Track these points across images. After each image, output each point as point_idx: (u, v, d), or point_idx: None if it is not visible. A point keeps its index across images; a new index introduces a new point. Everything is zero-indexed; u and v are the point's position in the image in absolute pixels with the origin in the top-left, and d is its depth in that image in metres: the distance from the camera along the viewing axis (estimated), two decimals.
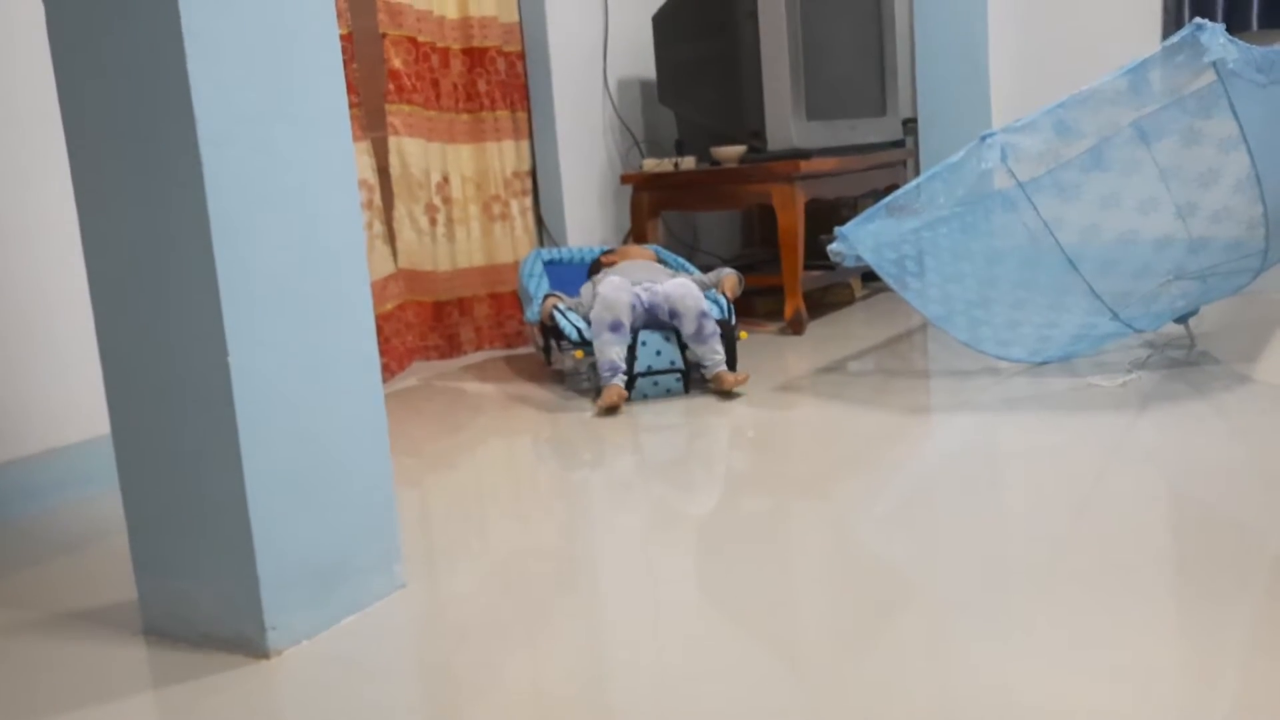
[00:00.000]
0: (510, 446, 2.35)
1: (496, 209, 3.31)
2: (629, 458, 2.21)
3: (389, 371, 2.96)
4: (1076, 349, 2.57)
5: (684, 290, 2.61)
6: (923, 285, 2.57)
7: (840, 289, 3.85)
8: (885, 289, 3.85)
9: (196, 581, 1.39)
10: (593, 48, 3.58)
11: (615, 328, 2.54)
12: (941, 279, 2.56)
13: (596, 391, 2.62)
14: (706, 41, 3.44)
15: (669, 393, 2.61)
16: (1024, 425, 2.16)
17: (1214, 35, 2.07)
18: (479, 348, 3.33)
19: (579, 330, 2.65)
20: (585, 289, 2.81)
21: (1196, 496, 1.70)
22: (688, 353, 2.63)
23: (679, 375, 2.61)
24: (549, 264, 3.20)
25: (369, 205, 2.89)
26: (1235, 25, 3.62)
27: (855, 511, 1.75)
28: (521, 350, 3.38)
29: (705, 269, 3.13)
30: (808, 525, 1.72)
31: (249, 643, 1.36)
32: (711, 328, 2.57)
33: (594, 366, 2.63)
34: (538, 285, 2.99)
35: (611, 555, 1.67)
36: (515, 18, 3.36)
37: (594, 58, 3.58)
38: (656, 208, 3.48)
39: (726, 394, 2.55)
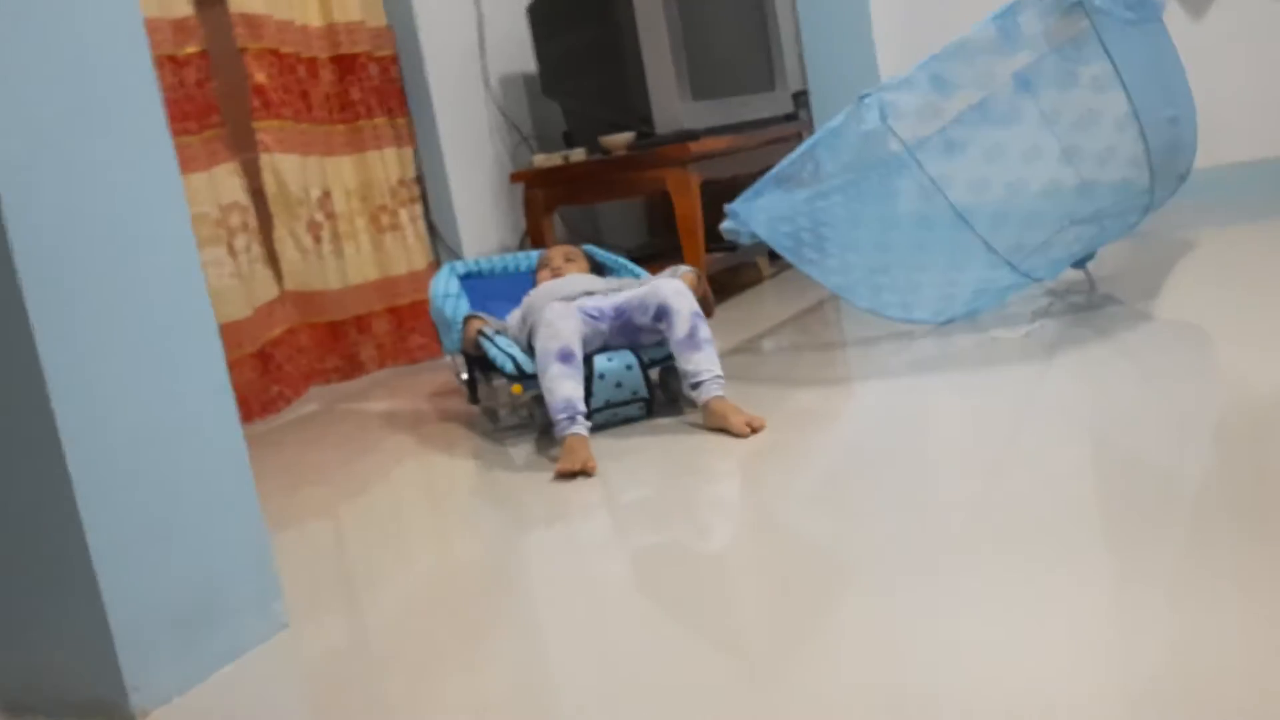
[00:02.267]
0: (425, 465, 2.24)
1: (385, 220, 3.20)
2: (549, 464, 2.04)
3: (285, 399, 2.84)
4: (979, 304, 2.55)
5: (677, 287, 2.13)
6: (820, 256, 2.52)
7: (748, 269, 3.80)
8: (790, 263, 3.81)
9: (48, 647, 1.28)
10: (468, 45, 3.48)
11: (565, 357, 2.02)
12: (839, 248, 2.51)
13: (541, 430, 2.22)
14: (584, 29, 3.36)
15: (626, 421, 2.18)
16: (935, 387, 2.12)
17: None
18: (382, 365, 3.21)
19: (513, 359, 2.17)
20: (515, 311, 2.37)
21: (1111, 441, 1.66)
22: (657, 369, 2.21)
23: (643, 404, 2.17)
24: (467, 279, 2.70)
25: (245, 228, 2.76)
26: None
27: (779, 494, 1.69)
28: (428, 364, 3.28)
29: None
30: (734, 510, 1.65)
31: (111, 708, 1.25)
32: (706, 333, 2.07)
33: (536, 402, 2.21)
34: (455, 307, 2.50)
35: (537, 567, 1.58)
36: (384, 21, 3.24)
37: (471, 55, 3.48)
38: (551, 204, 3.40)
39: (721, 430, 1.99)
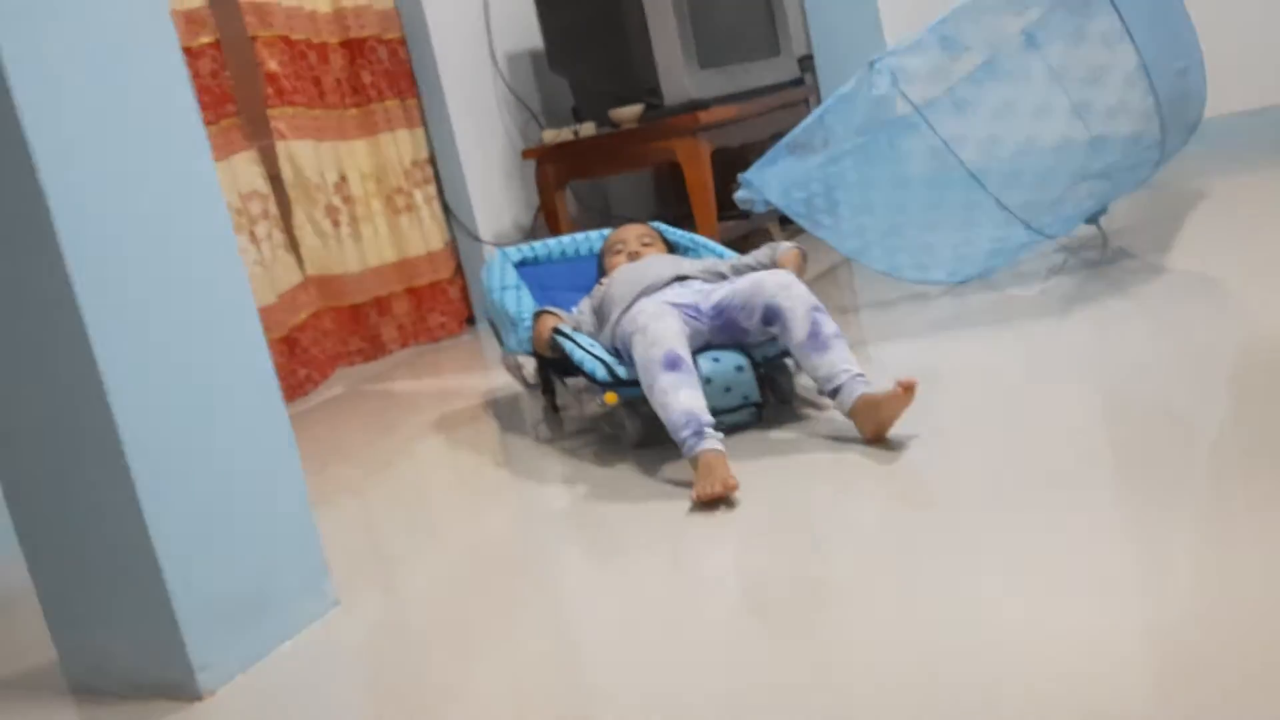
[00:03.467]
0: (450, 442, 2.28)
1: (400, 201, 3.23)
2: (576, 442, 2.03)
3: (311, 382, 2.89)
4: (994, 263, 2.57)
5: (783, 280, 1.80)
6: (835, 221, 2.54)
7: (760, 235, 3.83)
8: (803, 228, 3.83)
9: (115, 632, 1.33)
10: (475, 23, 3.49)
11: (673, 363, 1.69)
12: (852, 212, 2.53)
13: (635, 444, 1.88)
14: (590, 2, 3.36)
15: (734, 429, 1.82)
16: (953, 346, 2.16)
17: None
18: (404, 345, 3.26)
19: (604, 362, 1.84)
20: (585, 301, 2.11)
21: (1129, 392, 1.70)
22: (776, 373, 1.90)
23: (755, 409, 1.85)
24: (522, 267, 2.39)
25: (265, 215, 2.80)
26: None
27: (796, 455, 1.72)
28: (448, 342, 3.32)
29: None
30: (763, 487, 1.68)
31: (179, 687, 1.30)
32: (832, 327, 1.75)
33: (627, 410, 1.86)
34: (518, 300, 2.19)
35: (565, 548, 1.63)
36: (390, 3, 3.26)
37: (478, 34, 3.50)
38: (563, 178, 3.42)
39: (879, 439, 1.65)
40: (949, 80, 2.30)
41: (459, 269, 3.43)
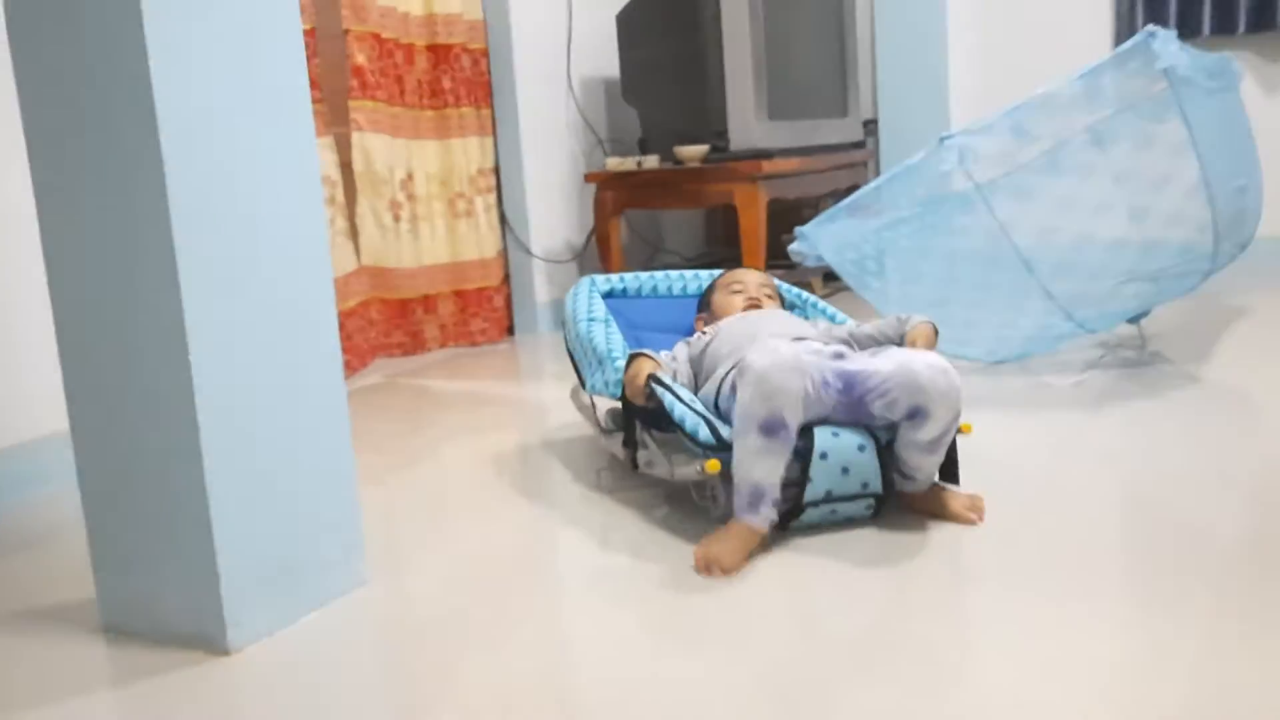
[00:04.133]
0: (476, 444, 2.34)
1: (461, 206, 3.31)
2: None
3: (351, 368, 2.95)
4: (1032, 349, 2.62)
5: (941, 386, 1.54)
6: (883, 285, 2.60)
7: (803, 288, 3.88)
8: (846, 288, 3.88)
9: (156, 579, 1.39)
10: (557, 45, 3.58)
11: (771, 429, 1.49)
12: (901, 279, 2.59)
13: (721, 519, 1.58)
14: (670, 41, 3.45)
15: (846, 521, 1.62)
16: (981, 424, 2.18)
17: (1166, 42, 2.12)
18: (444, 345, 3.32)
19: (708, 422, 1.60)
20: (680, 347, 1.90)
21: (1147, 496, 1.74)
22: (889, 458, 1.60)
23: (873, 500, 1.61)
24: (609, 299, 2.17)
25: (331, 201, 2.88)
26: (1187, 31, 3.69)
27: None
28: (487, 348, 3.38)
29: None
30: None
31: (209, 640, 1.36)
32: (950, 436, 1.59)
33: (725, 482, 1.58)
34: (607, 336, 1.96)
35: (579, 554, 1.68)
36: (480, 15, 3.35)
37: (558, 55, 3.59)
38: (620, 206, 3.50)
39: (933, 515, 1.63)
40: (1013, 165, 2.36)
41: (507, 278, 3.50)
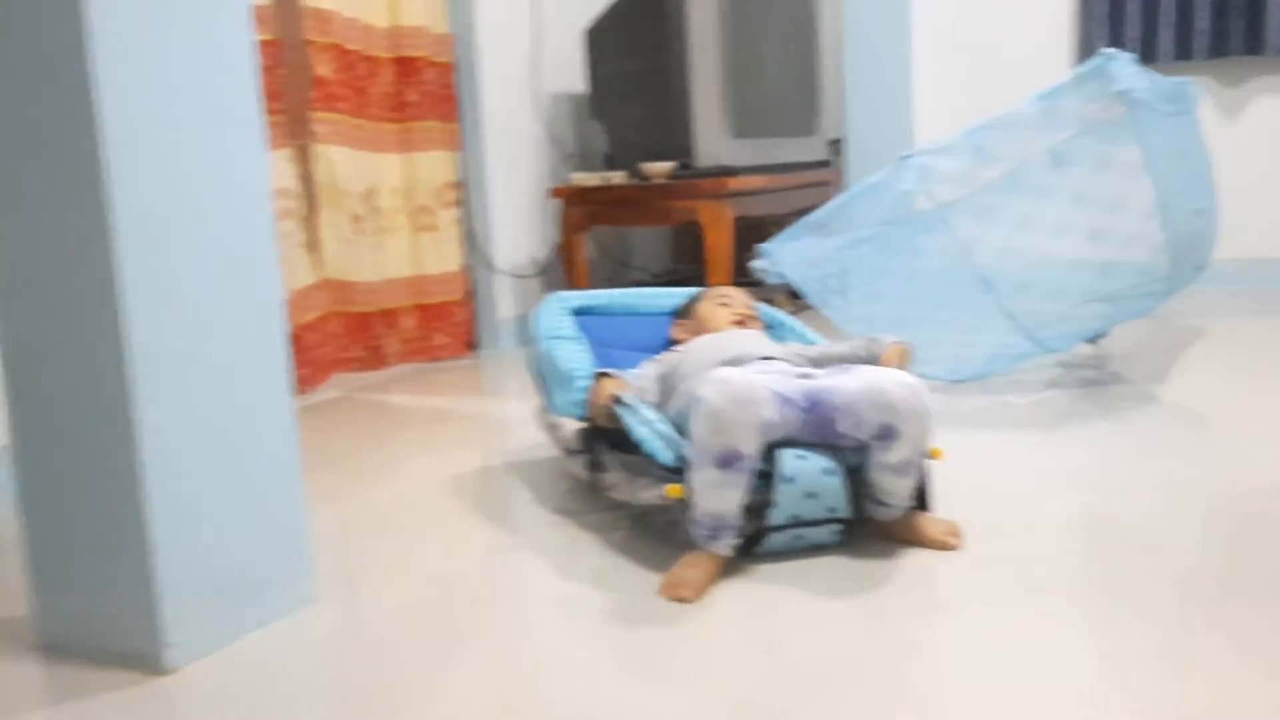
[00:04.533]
0: (436, 462, 2.31)
1: (425, 219, 3.29)
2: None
3: (309, 383, 2.92)
4: (992, 368, 2.63)
5: (912, 403, 1.50)
6: (844, 303, 2.60)
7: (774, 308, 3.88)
8: (811, 306, 3.89)
9: (94, 596, 1.36)
10: (524, 60, 3.57)
11: (727, 462, 1.45)
12: (863, 297, 2.59)
13: (685, 546, 1.53)
14: (638, 58, 3.45)
15: (813, 547, 1.58)
16: (942, 443, 2.19)
17: (1123, 65, 2.14)
18: (405, 360, 3.29)
19: (671, 444, 1.57)
20: (649, 366, 1.87)
21: (1107, 515, 1.74)
22: (857, 483, 1.56)
23: (841, 526, 1.57)
24: (579, 315, 2.12)
25: (291, 214, 2.85)
26: (1147, 55, 3.74)
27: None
28: (449, 364, 3.36)
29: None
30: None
31: (147, 659, 1.33)
32: (921, 458, 1.56)
33: (689, 508, 1.51)
34: (572, 354, 1.91)
35: (539, 578, 1.66)
36: (446, 28, 3.34)
37: (525, 70, 3.58)
38: (586, 222, 3.49)
39: (909, 542, 1.59)
40: (973, 185, 2.37)
41: (470, 293, 3.48)
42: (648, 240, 4.25)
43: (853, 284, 2.58)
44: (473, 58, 3.38)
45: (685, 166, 3.38)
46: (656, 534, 1.70)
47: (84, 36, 1.22)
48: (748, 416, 1.45)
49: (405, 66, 3.20)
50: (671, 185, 3.33)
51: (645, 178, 3.39)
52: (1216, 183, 2.72)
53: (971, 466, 2.03)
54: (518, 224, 3.56)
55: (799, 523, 1.53)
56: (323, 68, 2.94)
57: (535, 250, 3.65)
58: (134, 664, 1.33)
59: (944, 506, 1.71)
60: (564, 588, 1.57)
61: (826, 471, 1.51)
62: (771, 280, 2.58)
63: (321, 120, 2.95)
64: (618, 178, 3.42)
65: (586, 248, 3.56)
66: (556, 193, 3.50)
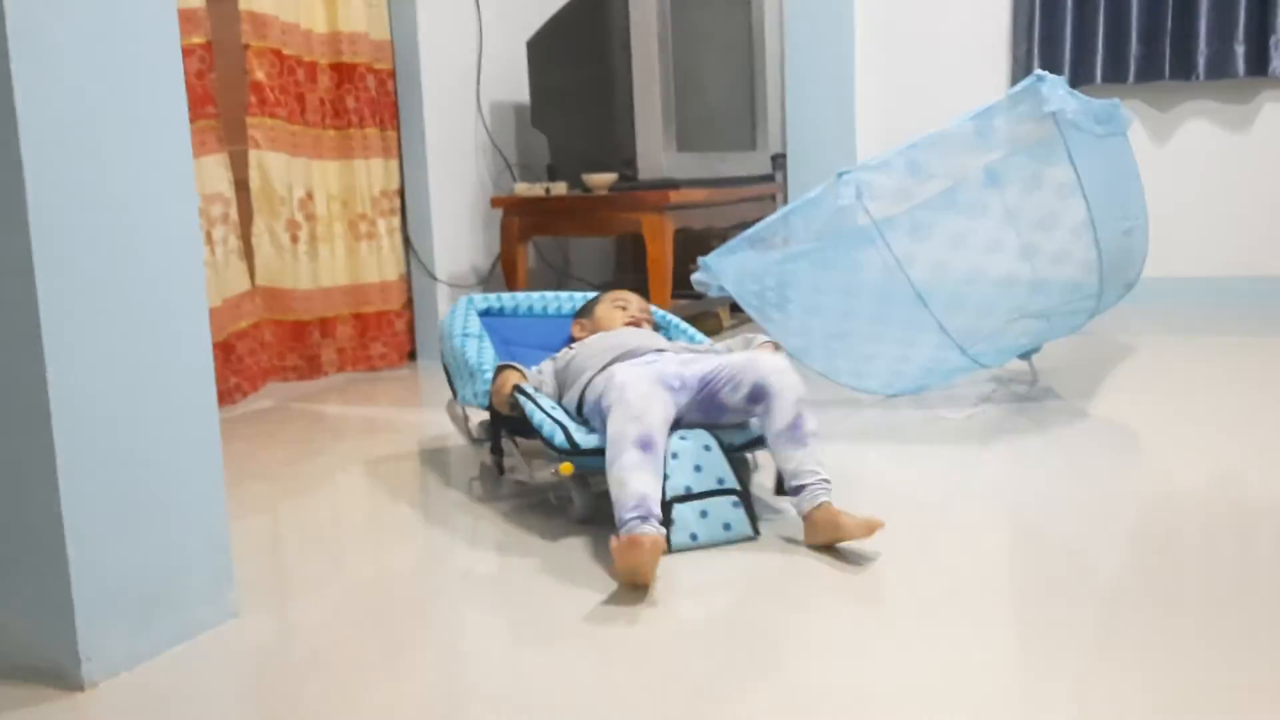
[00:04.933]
0: (370, 472, 2.28)
1: (363, 227, 3.25)
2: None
3: (242, 392, 2.87)
4: (927, 382, 2.66)
5: (779, 365, 1.74)
6: (783, 317, 2.61)
7: (708, 318, 3.90)
8: (751, 319, 3.91)
9: (6, 607, 1.31)
10: (466, 69, 3.56)
11: (645, 445, 1.62)
12: (801, 311, 2.61)
13: (577, 520, 1.80)
14: (581, 69, 3.45)
15: (729, 530, 1.68)
16: (877, 456, 2.22)
17: (1054, 87, 2.18)
18: (341, 369, 3.25)
19: (564, 429, 1.75)
20: (547, 364, 2.03)
21: (1035, 527, 1.76)
22: (737, 466, 1.75)
23: (735, 498, 1.69)
24: (486, 316, 2.30)
25: (225, 219, 2.80)
26: (1080, 78, 3.82)
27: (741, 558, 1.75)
28: (386, 373, 3.32)
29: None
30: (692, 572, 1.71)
31: (62, 674, 1.29)
32: (813, 425, 1.70)
33: (576, 483, 1.79)
34: (479, 351, 2.11)
35: (467, 588, 1.64)
36: (387, 35, 3.31)
37: (467, 79, 3.56)
38: (527, 232, 3.47)
39: (827, 547, 1.64)
40: (910, 202, 2.40)
41: (409, 303, 3.44)
42: (589, 251, 4.25)
43: (791, 298, 2.60)
44: (414, 65, 3.35)
45: (627, 178, 3.38)
46: (594, 530, 1.76)
47: (4, 36, 1.19)
48: (656, 406, 1.68)
49: (345, 73, 3.17)
50: (613, 197, 3.33)
51: (587, 189, 3.39)
52: (1146, 203, 2.78)
53: (905, 479, 2.05)
54: (458, 233, 3.54)
55: (693, 494, 1.68)
56: (260, 73, 2.89)
57: (476, 260, 3.63)
58: (48, 679, 1.29)
59: (876, 513, 1.72)
60: (496, 596, 1.55)
61: (706, 447, 1.73)
62: (711, 292, 2.59)
63: (258, 126, 2.91)
64: (559, 188, 3.41)
65: (528, 258, 3.55)
66: (497, 202, 3.49)
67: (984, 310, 2.48)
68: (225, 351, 2.81)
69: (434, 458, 2.36)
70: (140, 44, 1.34)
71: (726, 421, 1.80)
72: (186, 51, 2.66)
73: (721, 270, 2.57)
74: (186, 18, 2.65)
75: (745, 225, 3.67)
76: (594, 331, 2.12)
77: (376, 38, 3.26)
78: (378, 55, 3.27)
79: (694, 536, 1.66)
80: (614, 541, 1.52)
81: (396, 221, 3.35)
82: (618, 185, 3.37)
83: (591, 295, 2.35)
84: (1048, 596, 1.46)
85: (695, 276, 2.59)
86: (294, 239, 3.05)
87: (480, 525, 1.88)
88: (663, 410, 1.68)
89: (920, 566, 1.59)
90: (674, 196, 3.27)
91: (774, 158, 4.13)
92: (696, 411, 1.79)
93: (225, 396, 2.80)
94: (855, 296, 2.55)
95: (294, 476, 2.28)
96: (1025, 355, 2.74)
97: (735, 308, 3.81)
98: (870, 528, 1.60)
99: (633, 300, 2.22)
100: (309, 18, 3.05)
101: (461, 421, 2.20)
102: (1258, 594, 1.44)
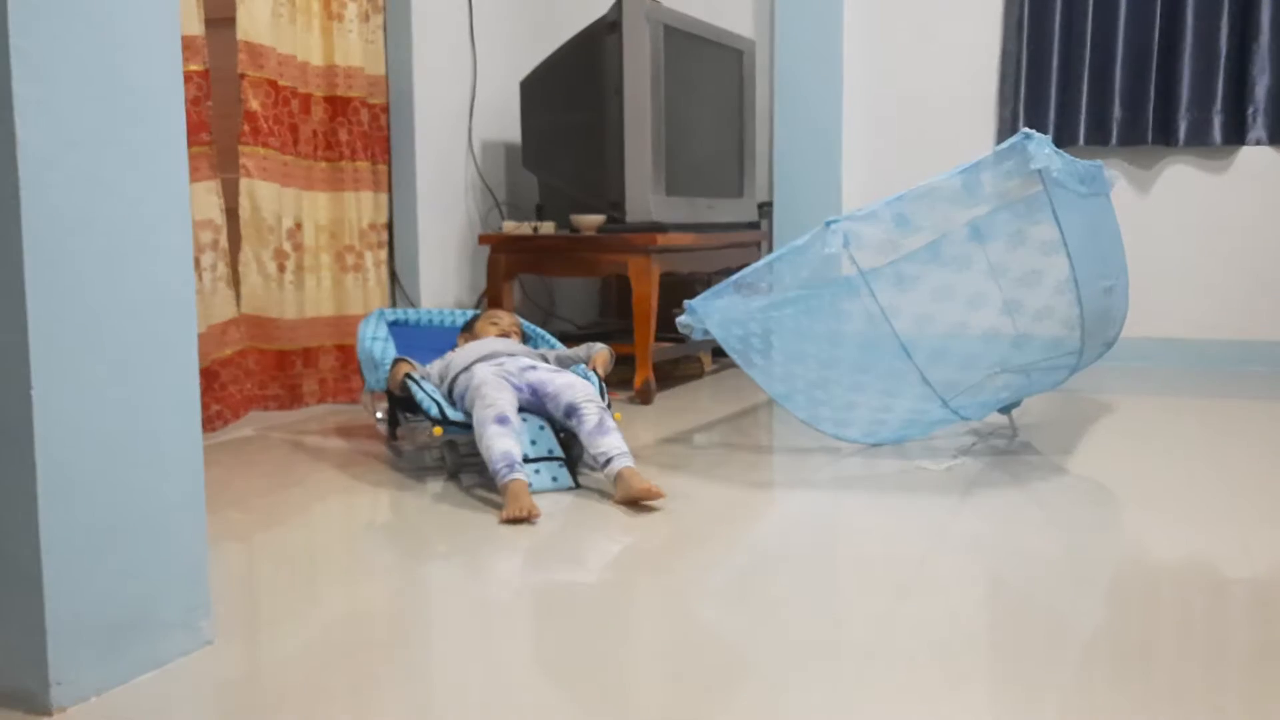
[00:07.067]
0: (348, 503, 2.27)
1: (350, 260, 3.26)
2: (472, 524, 2.11)
3: (224, 420, 2.85)
4: (908, 433, 2.67)
5: (588, 393, 2.36)
6: (767, 363, 2.63)
7: (690, 362, 3.91)
8: (734, 364, 3.93)
9: None
10: (459, 107, 3.59)
11: (502, 421, 2.23)
12: (785, 358, 2.62)
13: (450, 474, 2.42)
14: (572, 112, 3.49)
15: (555, 482, 2.29)
16: (856, 505, 2.22)
17: (1040, 145, 2.21)
18: (322, 400, 3.24)
19: (438, 404, 2.39)
20: (436, 363, 2.59)
21: (1011, 582, 1.77)
22: (572, 443, 2.39)
23: (562, 462, 2.33)
24: (394, 325, 2.94)
25: (214, 246, 2.80)
26: (1063, 139, 3.88)
27: (693, 585, 1.76)
28: None
29: (565, 339, 3.10)
30: (646, 597, 1.72)
31: (30, 698, 1.27)
32: (611, 423, 2.29)
33: (449, 447, 2.43)
34: (384, 350, 2.75)
35: (442, 623, 1.63)
36: (382, 70, 3.34)
37: (460, 117, 3.59)
38: (513, 270, 3.49)
39: (631, 503, 2.16)
40: (896, 253, 2.42)
41: None
42: (575, 291, 4.27)
43: (775, 344, 2.62)
44: (408, 101, 3.38)
45: (615, 220, 3.40)
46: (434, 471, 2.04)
47: (6, 57, 1.19)
48: (506, 397, 2.31)
49: (339, 106, 3.19)
50: (600, 238, 3.35)
51: (575, 229, 3.41)
52: (1127, 263, 2.83)
53: (882, 530, 2.05)
54: (445, 268, 3.55)
55: (529, 459, 2.27)
56: (254, 102, 2.91)
57: (462, 295, 3.64)
58: (15, 703, 1.27)
59: (852, 568, 1.73)
60: (470, 627, 1.54)
61: (540, 426, 2.36)
62: (695, 336, 2.60)
63: (250, 154, 2.92)
64: (547, 228, 3.43)
65: (513, 296, 3.56)
66: (485, 239, 3.50)
67: (967, 363, 2.50)
68: (209, 378, 2.80)
69: (411, 489, 2.35)
70: (142, 70, 1.35)
71: (553, 415, 2.40)
72: (184, 78, 2.67)
73: (706, 314, 2.58)
74: (185, 45, 2.66)
75: (730, 271, 3.70)
76: (472, 340, 2.69)
77: (372, 72, 3.29)
78: (372, 90, 3.29)
79: (530, 485, 2.16)
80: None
81: (383, 254, 3.36)
82: (605, 227, 3.39)
83: (475, 313, 2.99)
84: (1022, 650, 1.46)
85: (680, 319, 2.60)
86: (281, 268, 3.05)
87: (454, 559, 1.88)
88: (510, 396, 2.32)
89: (895, 616, 1.59)
90: (661, 240, 3.29)
91: (760, 205, 4.17)
92: (532, 406, 2.40)
93: (207, 423, 2.78)
94: (839, 345, 2.57)
95: (271, 505, 2.26)
96: (1005, 409, 2.76)
97: (719, 352, 3.83)
98: (651, 494, 2.12)
99: (504, 317, 2.84)
100: (306, 50, 3.07)
101: (370, 406, 2.78)
102: (1231, 657, 1.44)
